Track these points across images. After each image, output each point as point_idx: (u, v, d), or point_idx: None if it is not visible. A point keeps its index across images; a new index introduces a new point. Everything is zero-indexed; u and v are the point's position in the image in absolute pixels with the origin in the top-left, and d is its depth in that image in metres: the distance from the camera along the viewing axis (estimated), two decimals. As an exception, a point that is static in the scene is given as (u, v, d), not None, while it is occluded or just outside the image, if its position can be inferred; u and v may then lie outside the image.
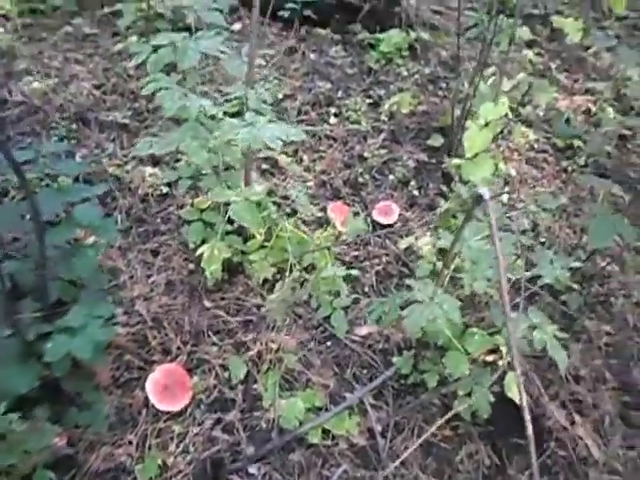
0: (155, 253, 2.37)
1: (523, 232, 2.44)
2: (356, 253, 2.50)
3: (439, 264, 2.19)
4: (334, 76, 3.26)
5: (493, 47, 2.56)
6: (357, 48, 3.50)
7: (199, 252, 2.00)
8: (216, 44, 1.76)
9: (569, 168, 3.07)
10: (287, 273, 2.02)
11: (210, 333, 2.14)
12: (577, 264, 1.85)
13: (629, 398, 2.22)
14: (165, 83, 1.63)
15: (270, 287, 2.24)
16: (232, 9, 3.41)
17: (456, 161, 2.18)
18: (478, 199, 1.41)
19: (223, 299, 2.26)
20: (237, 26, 3.38)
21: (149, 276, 2.30)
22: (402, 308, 1.80)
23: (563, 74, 3.73)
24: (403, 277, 2.43)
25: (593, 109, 3.46)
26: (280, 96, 3.08)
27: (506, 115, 2.25)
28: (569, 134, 2.09)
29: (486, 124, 1.96)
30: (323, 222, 2.55)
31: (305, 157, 2.83)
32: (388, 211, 2.59)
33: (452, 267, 1.67)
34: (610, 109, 3.39)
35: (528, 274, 1.83)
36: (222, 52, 1.70)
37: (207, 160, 1.67)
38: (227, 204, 1.87)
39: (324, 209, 2.62)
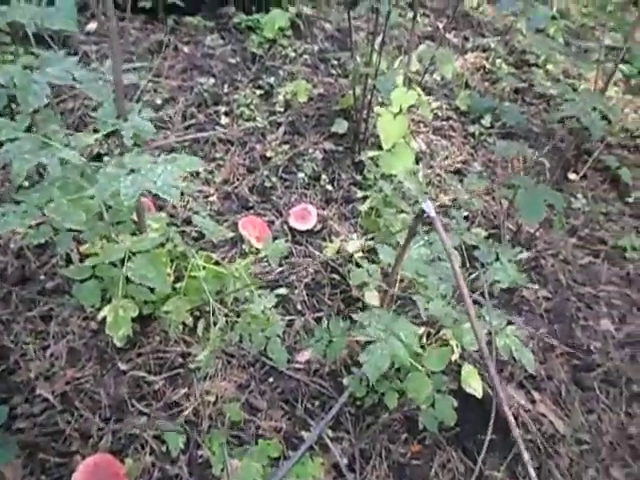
0: (47, 318, 2.05)
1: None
2: (280, 268, 2.33)
3: (371, 268, 2.08)
4: (216, 69, 2.99)
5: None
6: (235, 33, 3.24)
7: (100, 316, 1.74)
8: (69, 67, 1.46)
9: (476, 132, 3.07)
10: (209, 316, 1.82)
11: (133, 401, 1.90)
12: (524, 254, 1.81)
13: (578, 361, 2.28)
14: (8, 134, 1.31)
15: (191, 330, 2.03)
16: (81, 7, 3.00)
17: (371, 153, 2.05)
18: (421, 214, 1.29)
19: (140, 355, 2.01)
20: (92, 26, 2.98)
21: (45, 348, 1.99)
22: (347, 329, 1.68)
23: (452, 33, 3.72)
24: (335, 285, 2.30)
25: (487, 66, 3.48)
26: (159, 101, 2.77)
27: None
28: (483, 107, 2.04)
29: (399, 111, 1.85)
30: (237, 240, 2.35)
31: (201, 168, 2.57)
32: (305, 215, 2.44)
33: (396, 286, 1.56)
34: (504, 65, 3.43)
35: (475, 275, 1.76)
36: (75, 79, 1.41)
37: (87, 221, 1.40)
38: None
39: (235, 224, 2.40)
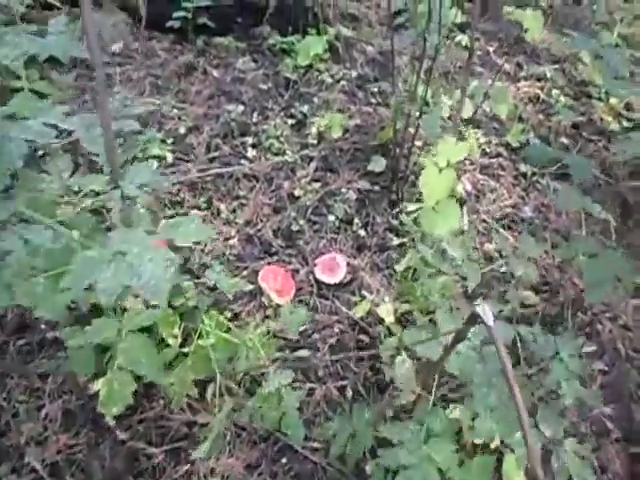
0: (44, 375, 1.89)
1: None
2: (302, 327, 2.10)
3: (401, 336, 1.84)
4: (245, 95, 2.80)
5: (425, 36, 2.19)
6: (269, 56, 3.05)
7: (94, 389, 1.55)
8: (56, 118, 1.27)
9: (528, 172, 2.79)
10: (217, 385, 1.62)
11: (130, 477, 1.70)
12: (590, 348, 1.55)
13: (637, 449, 1.99)
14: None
15: (198, 397, 1.82)
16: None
17: (411, 206, 1.82)
18: (473, 320, 1.05)
19: (141, 422, 1.83)
20: (117, 46, 2.84)
21: (39, 408, 1.82)
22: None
23: (503, 58, 3.44)
24: (363, 348, 2.07)
25: (542, 96, 3.19)
26: (182, 130, 2.60)
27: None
28: (544, 158, 1.78)
29: (446, 164, 1.61)
30: (257, 293, 2.14)
31: (222, 207, 2.38)
32: (333, 266, 2.21)
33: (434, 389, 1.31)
34: (562, 96, 3.14)
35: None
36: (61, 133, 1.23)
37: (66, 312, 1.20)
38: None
39: (256, 273, 2.20)
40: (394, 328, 1.91)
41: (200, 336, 1.70)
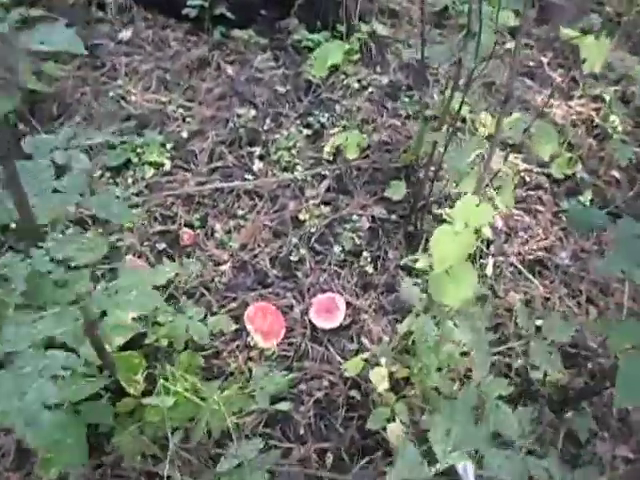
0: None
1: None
2: (287, 373, 1.88)
3: (398, 407, 1.61)
4: (260, 98, 2.55)
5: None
6: (292, 54, 2.78)
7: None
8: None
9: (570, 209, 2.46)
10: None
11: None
12: None
13: None
14: None
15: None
16: (121, 8, 2.65)
17: (422, 263, 1.55)
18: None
19: (98, 467, 1.64)
20: (126, 34, 2.61)
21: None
22: None
23: (557, 72, 3.07)
24: (353, 406, 1.84)
25: (597, 120, 2.83)
26: (185, 134, 2.37)
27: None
28: (591, 224, 1.48)
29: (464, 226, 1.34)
30: (242, 330, 1.92)
31: (218, 226, 2.16)
32: (331, 308, 1.97)
33: None
34: (617, 121, 2.76)
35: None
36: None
37: None
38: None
39: (245, 304, 1.98)
40: (386, 396, 1.67)
41: (165, 387, 1.50)
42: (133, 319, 1.78)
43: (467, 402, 1.51)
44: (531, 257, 2.34)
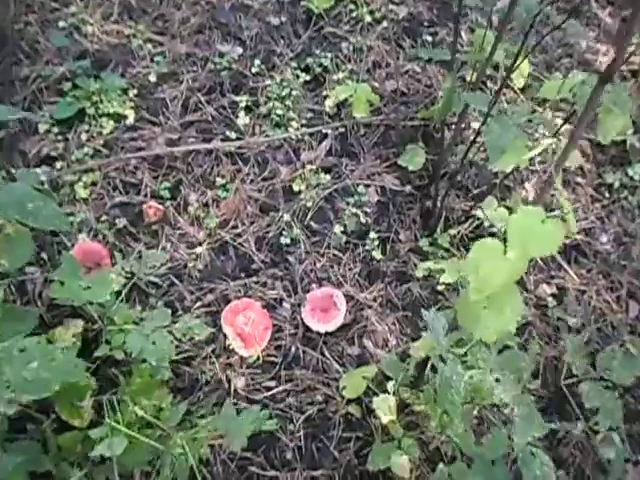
0: None
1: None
2: (273, 384, 1.58)
3: (406, 442, 1.32)
4: (248, 32, 2.09)
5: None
6: (289, -25, 2.27)
7: None
8: None
9: (615, 184, 2.08)
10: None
11: None
12: None
13: None
14: None
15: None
16: None
17: (449, 277, 1.21)
18: None
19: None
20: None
21: None
22: None
23: (606, 10, 2.57)
24: (351, 424, 1.55)
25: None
26: (152, 78, 1.94)
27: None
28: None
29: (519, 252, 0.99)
30: (219, 334, 1.60)
31: (193, 197, 1.78)
32: (328, 307, 1.64)
33: None
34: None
35: None
36: None
37: None
38: None
39: (224, 298, 1.65)
40: (392, 428, 1.36)
41: (114, 429, 1.18)
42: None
43: (495, 450, 1.21)
44: (566, 241, 1.98)
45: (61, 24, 1.99)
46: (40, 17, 2.01)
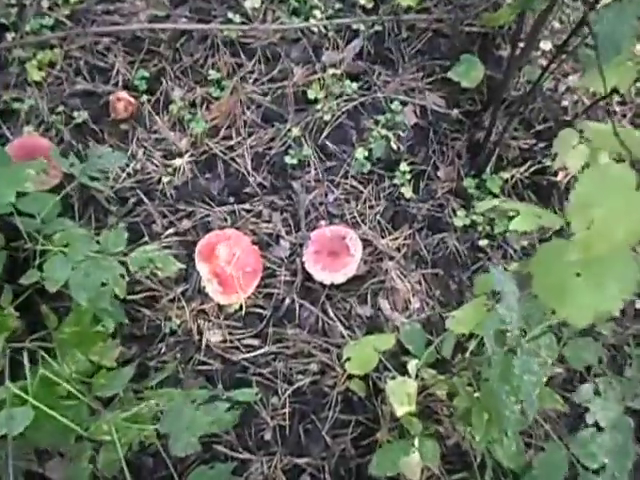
0: None
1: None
2: (257, 342, 1.23)
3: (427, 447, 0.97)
4: None
5: None
6: None
7: None
8: None
9: None
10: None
11: None
12: None
13: None
14: None
15: None
16: None
17: (523, 223, 0.81)
18: None
19: None
20: None
21: None
22: None
23: None
24: (351, 405, 1.21)
25: None
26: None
27: None
28: None
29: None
30: (190, 274, 1.23)
31: (177, 93, 1.39)
32: (339, 251, 1.26)
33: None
34: None
35: None
36: None
37: None
38: None
39: (204, 226, 1.28)
40: (409, 422, 1.00)
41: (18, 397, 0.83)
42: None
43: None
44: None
45: None
46: None
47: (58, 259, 0.91)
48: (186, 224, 1.31)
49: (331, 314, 1.28)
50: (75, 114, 1.33)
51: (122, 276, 1.05)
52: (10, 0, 1.41)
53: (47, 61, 1.37)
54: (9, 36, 1.39)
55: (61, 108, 1.34)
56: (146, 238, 1.28)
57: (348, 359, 1.13)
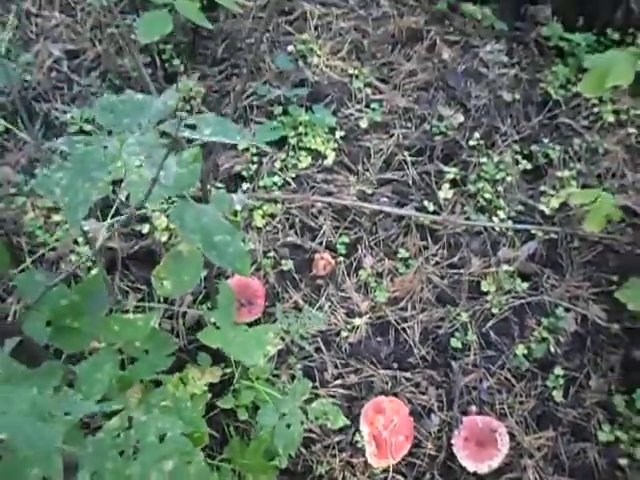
0: None
1: None
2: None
3: None
4: (475, 101, 1.95)
5: None
6: (533, 53, 2.11)
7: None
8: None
9: None
10: None
11: None
12: None
13: None
14: None
15: None
16: None
17: None
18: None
19: None
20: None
21: None
22: None
23: None
24: None
25: None
26: (363, 124, 1.84)
27: None
28: None
29: None
30: (347, 426, 1.41)
31: (368, 261, 1.63)
32: (487, 442, 1.40)
33: None
34: None
35: None
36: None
37: None
38: None
39: (366, 386, 1.46)
40: None
41: None
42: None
43: None
44: None
45: (289, 48, 1.99)
46: (272, 37, 2.03)
47: (272, 409, 1.13)
48: (353, 379, 1.50)
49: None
50: (282, 262, 1.62)
51: (302, 423, 1.25)
52: (252, 157, 1.78)
53: (270, 212, 1.70)
54: (245, 185, 1.75)
55: (272, 254, 1.64)
56: (317, 383, 1.49)
57: None
